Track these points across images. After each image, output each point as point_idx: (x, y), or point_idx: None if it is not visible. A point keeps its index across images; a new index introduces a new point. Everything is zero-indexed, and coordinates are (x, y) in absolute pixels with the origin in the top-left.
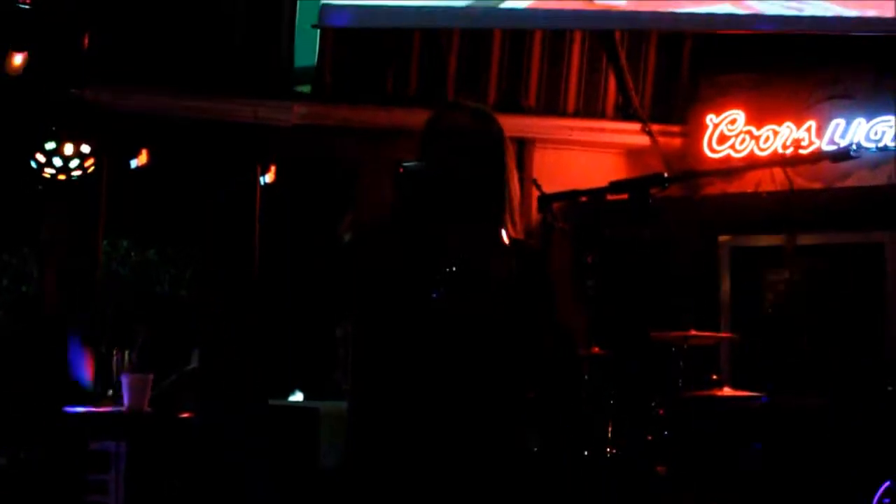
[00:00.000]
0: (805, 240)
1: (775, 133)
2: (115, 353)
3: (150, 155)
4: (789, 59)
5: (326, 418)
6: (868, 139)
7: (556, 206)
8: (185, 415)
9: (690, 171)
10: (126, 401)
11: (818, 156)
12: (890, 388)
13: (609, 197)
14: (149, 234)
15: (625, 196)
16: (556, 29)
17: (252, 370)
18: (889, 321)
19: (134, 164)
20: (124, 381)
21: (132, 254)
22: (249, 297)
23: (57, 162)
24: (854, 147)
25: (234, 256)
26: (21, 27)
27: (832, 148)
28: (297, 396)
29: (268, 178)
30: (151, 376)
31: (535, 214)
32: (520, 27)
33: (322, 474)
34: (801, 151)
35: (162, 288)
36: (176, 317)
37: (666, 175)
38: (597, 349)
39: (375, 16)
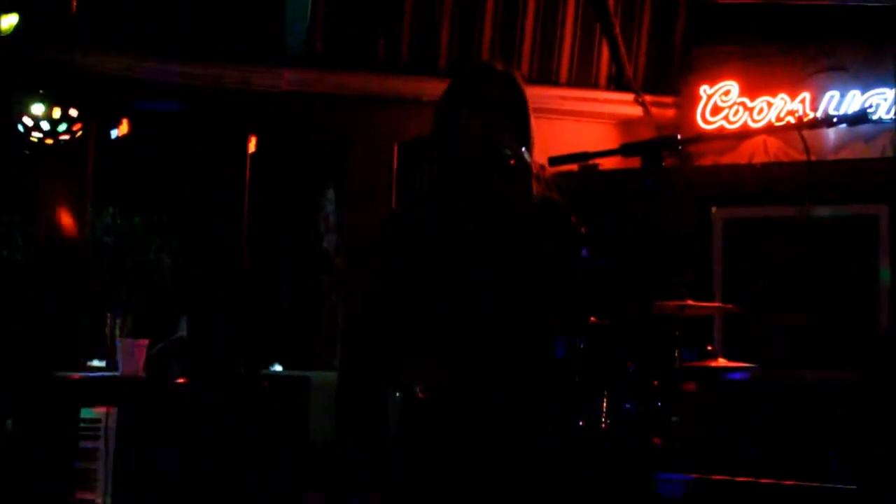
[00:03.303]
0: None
1: (769, 104)
2: (106, 318)
3: (134, 125)
4: (784, 31)
5: (316, 388)
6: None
7: (548, 175)
8: (181, 380)
9: (702, 135)
10: (120, 365)
11: (835, 119)
12: None
13: (602, 166)
14: (135, 201)
15: (615, 166)
16: None
17: (241, 339)
18: (883, 293)
19: (115, 133)
20: (119, 345)
21: (118, 221)
22: (235, 267)
23: (44, 126)
24: (871, 109)
25: (221, 226)
26: None
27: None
28: (276, 368)
29: (250, 148)
30: (147, 342)
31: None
32: None
33: (313, 445)
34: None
35: (147, 256)
36: (162, 285)
37: (679, 137)
38: (593, 319)
39: None
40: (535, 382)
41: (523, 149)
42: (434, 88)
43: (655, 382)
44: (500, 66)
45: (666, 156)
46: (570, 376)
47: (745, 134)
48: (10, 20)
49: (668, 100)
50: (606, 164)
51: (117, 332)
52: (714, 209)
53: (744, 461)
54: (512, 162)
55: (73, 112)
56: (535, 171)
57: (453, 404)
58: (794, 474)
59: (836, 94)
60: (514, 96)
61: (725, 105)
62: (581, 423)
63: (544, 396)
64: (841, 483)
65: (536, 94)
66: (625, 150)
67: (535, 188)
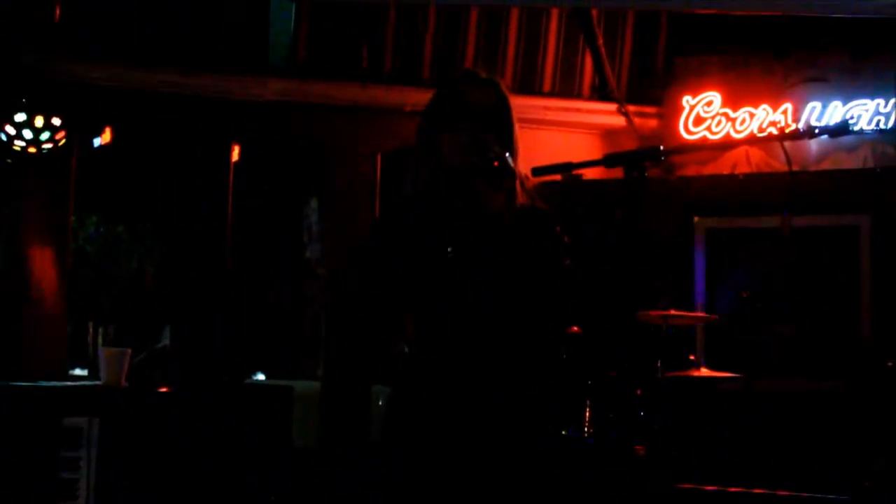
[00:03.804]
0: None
1: (751, 115)
2: (88, 327)
3: (116, 134)
4: (766, 42)
5: (299, 398)
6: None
7: (531, 185)
8: (163, 389)
9: (685, 146)
10: (103, 375)
11: (816, 130)
12: (890, 364)
13: (585, 176)
14: (118, 210)
15: (598, 176)
16: (533, 6)
17: (222, 349)
18: (865, 304)
19: (97, 142)
20: (101, 354)
21: (101, 230)
22: (219, 276)
23: (27, 134)
24: (852, 120)
25: (205, 235)
26: None
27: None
28: (259, 377)
29: (233, 157)
30: (129, 351)
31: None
32: (498, 3)
33: (295, 453)
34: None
35: (130, 265)
36: (145, 294)
37: (662, 148)
38: (576, 328)
39: None
40: (535, 382)
41: (507, 153)
42: (418, 98)
43: (638, 392)
44: (484, 74)
45: (649, 166)
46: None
47: (727, 145)
48: None
49: (651, 110)
50: (589, 174)
51: (100, 340)
52: (696, 219)
53: (726, 470)
54: (496, 164)
55: (56, 121)
56: (519, 178)
57: (452, 404)
58: (777, 484)
59: (817, 105)
60: (498, 103)
61: (708, 116)
62: (563, 432)
63: (544, 396)
64: (829, 493)
65: (520, 104)
66: (608, 160)
67: (521, 196)
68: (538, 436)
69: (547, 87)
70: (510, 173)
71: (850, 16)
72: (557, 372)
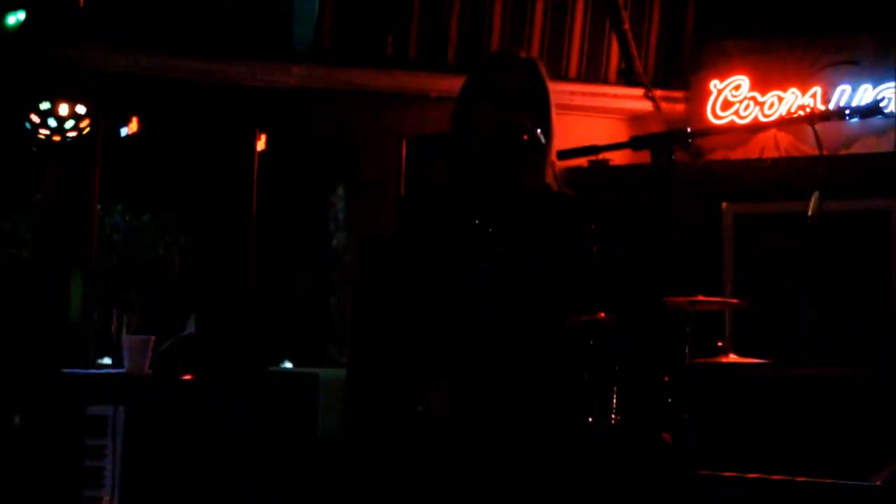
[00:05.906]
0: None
1: (780, 99)
2: (113, 315)
3: (141, 122)
4: (794, 25)
5: (325, 385)
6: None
7: (558, 170)
8: (187, 377)
9: (713, 128)
10: (126, 363)
11: (847, 111)
12: None
13: (612, 161)
14: (143, 198)
15: (625, 162)
16: None
17: (248, 337)
18: (895, 290)
19: (124, 131)
20: (125, 342)
21: (126, 219)
22: (245, 264)
23: (52, 123)
24: (883, 102)
25: (231, 223)
26: None
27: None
28: (287, 365)
29: (259, 146)
30: (153, 338)
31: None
32: None
33: (320, 441)
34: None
35: (156, 254)
36: (170, 283)
37: (689, 130)
38: (602, 314)
39: None
40: (556, 367)
41: (539, 130)
42: (443, 84)
43: (665, 378)
44: (523, 54)
45: (676, 149)
46: (579, 372)
47: (756, 128)
48: (16, 16)
49: (679, 94)
50: (616, 159)
51: (124, 329)
52: (725, 204)
53: (754, 457)
54: (525, 137)
55: (81, 109)
56: (550, 159)
57: (481, 384)
58: (807, 471)
59: (847, 88)
60: (531, 83)
61: (736, 100)
62: (590, 419)
63: (550, 389)
64: (857, 480)
65: None
66: (634, 142)
67: (549, 180)
68: (545, 428)
69: (573, 72)
70: (540, 148)
71: None
72: (581, 359)
